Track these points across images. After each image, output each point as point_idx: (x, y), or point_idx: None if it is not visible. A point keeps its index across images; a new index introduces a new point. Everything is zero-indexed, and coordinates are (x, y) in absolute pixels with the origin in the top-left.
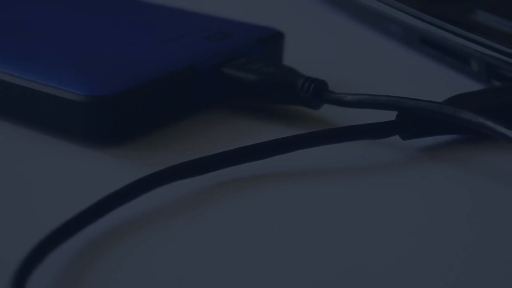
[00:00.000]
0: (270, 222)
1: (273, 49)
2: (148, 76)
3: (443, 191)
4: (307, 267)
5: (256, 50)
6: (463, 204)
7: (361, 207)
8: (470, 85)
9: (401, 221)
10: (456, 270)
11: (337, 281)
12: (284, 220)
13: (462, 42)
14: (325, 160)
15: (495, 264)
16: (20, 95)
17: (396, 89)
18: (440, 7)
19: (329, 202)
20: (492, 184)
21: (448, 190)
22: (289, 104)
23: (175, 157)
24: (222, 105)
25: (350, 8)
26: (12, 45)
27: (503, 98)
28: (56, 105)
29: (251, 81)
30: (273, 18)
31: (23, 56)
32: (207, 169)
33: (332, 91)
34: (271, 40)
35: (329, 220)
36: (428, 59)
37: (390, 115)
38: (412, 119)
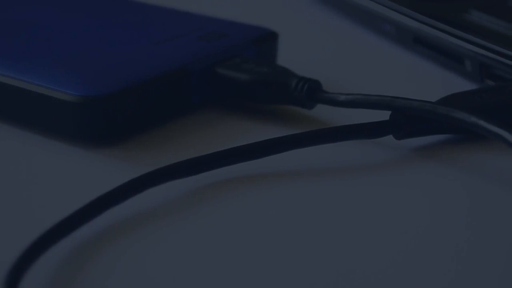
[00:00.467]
0: (263, 222)
1: (267, 49)
2: (141, 77)
3: (436, 191)
4: (300, 266)
5: (250, 50)
6: (457, 203)
7: (355, 207)
8: (463, 85)
9: (395, 220)
10: (452, 269)
11: (332, 281)
12: (278, 220)
13: (456, 42)
14: (319, 160)
15: (490, 262)
16: (13, 95)
17: (389, 89)
18: (433, 6)
19: (323, 202)
20: (486, 183)
21: (442, 189)
22: (283, 104)
23: (169, 157)
24: (216, 105)
25: (344, 8)
26: (4, 45)
27: (496, 97)
28: (49, 105)
29: (245, 81)
30: (267, 18)
31: (16, 56)
32: (201, 169)
33: (326, 91)
34: (265, 40)
35: (323, 220)
36: (421, 59)
37: (383, 115)
38: (406, 119)
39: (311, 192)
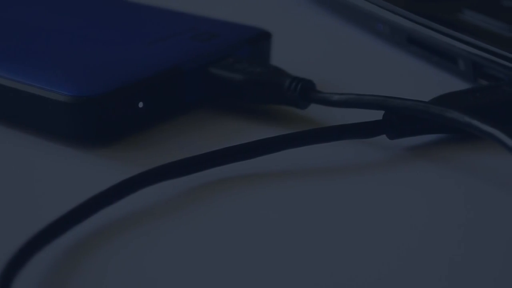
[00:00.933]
0: (257, 222)
1: (260, 49)
2: (134, 77)
3: (430, 190)
4: (293, 266)
5: (243, 50)
6: (451, 203)
7: (348, 206)
8: (457, 84)
9: (388, 220)
10: (446, 268)
11: (325, 281)
12: (271, 221)
13: (449, 41)
14: (312, 160)
15: (483, 260)
16: (6, 95)
17: (383, 89)
18: (427, 6)
19: (316, 202)
20: (479, 182)
21: (435, 189)
22: (276, 104)
23: (162, 158)
24: (209, 105)
25: (338, 8)
26: None
27: (489, 97)
28: (42, 105)
29: (238, 81)
30: (260, 18)
31: (9, 56)
32: (194, 169)
33: (319, 90)
34: (258, 40)
35: (317, 220)
36: (415, 58)
37: (377, 115)
38: (399, 119)
39: (304, 192)
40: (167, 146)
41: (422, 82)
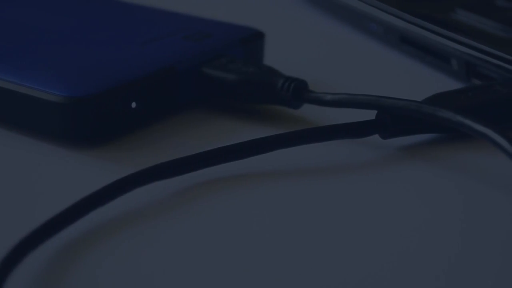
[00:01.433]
0: (250, 222)
1: (253, 49)
2: (127, 77)
3: (423, 190)
4: (287, 265)
5: (236, 50)
6: (443, 202)
7: (341, 206)
8: (450, 84)
9: (382, 219)
10: (440, 267)
11: (319, 280)
12: (264, 220)
13: (442, 41)
14: (305, 160)
15: (477, 259)
16: None
17: (376, 88)
18: (420, 6)
19: (310, 201)
20: (472, 182)
21: (428, 188)
22: (269, 104)
23: (155, 158)
24: (202, 105)
25: (331, 8)
26: None
27: (482, 96)
28: (35, 106)
29: (231, 81)
30: (253, 18)
31: (1, 57)
32: (187, 169)
33: (312, 90)
34: (251, 40)
35: (310, 220)
36: (408, 58)
37: (370, 115)
38: (392, 118)
39: (297, 192)
40: (160, 146)
41: (415, 81)
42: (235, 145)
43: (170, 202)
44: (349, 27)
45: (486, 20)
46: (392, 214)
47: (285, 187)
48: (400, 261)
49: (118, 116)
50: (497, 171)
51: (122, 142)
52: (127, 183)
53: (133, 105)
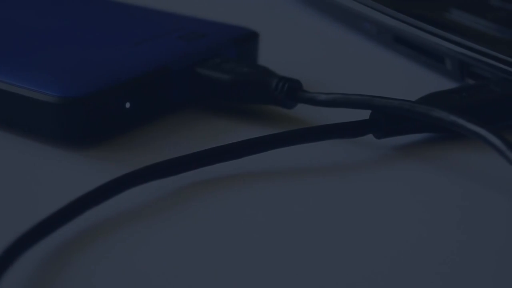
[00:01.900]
0: (244, 222)
1: (248, 49)
2: (121, 77)
3: (417, 189)
4: (281, 265)
5: (230, 50)
6: (437, 201)
7: (336, 206)
8: (444, 84)
9: (376, 219)
10: (434, 265)
11: (314, 280)
12: (259, 220)
13: (436, 41)
14: (300, 160)
15: (472, 257)
16: None
17: (370, 88)
18: (414, 5)
19: (303, 201)
20: (466, 181)
21: (422, 187)
22: (263, 103)
23: (149, 158)
24: (196, 105)
25: (325, 7)
26: None
27: (476, 96)
28: (29, 106)
29: (225, 81)
30: (248, 18)
31: None
32: (181, 169)
33: (306, 90)
34: (245, 40)
35: (304, 220)
36: (402, 58)
37: (363, 114)
38: (386, 118)
39: (291, 192)
40: (154, 146)
41: (409, 81)
42: (229, 145)
43: (165, 202)
44: (343, 27)
45: (480, 20)
46: (386, 213)
47: (279, 187)
48: (395, 260)
49: (112, 116)
50: (491, 171)
51: (116, 142)
52: (121, 183)
53: (127, 105)
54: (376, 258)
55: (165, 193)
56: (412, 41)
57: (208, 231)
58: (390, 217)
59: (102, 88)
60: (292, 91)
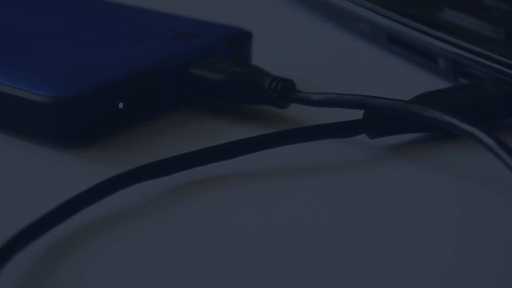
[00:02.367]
0: (238, 222)
1: (241, 49)
2: (114, 77)
3: (410, 189)
4: (276, 265)
5: (224, 50)
6: (431, 201)
7: (329, 205)
8: (437, 83)
9: (370, 219)
10: (429, 265)
11: (310, 280)
12: (252, 220)
13: (429, 40)
14: (293, 160)
15: (467, 256)
16: None
17: (363, 88)
18: (407, 5)
19: (297, 201)
20: (459, 181)
21: (415, 187)
22: (257, 103)
23: (142, 158)
24: (189, 105)
25: (318, 7)
26: None
27: (469, 96)
28: (22, 106)
29: (218, 81)
30: (241, 18)
31: None
32: (175, 169)
33: (300, 90)
34: (239, 40)
35: (297, 219)
36: (395, 58)
37: (357, 114)
38: (379, 118)
39: (285, 192)
40: (147, 147)
41: (402, 81)
42: (223, 145)
43: (158, 202)
44: (337, 27)
45: (473, 20)
46: (379, 213)
47: (272, 186)
48: (388, 259)
49: (105, 116)
50: (484, 170)
51: (109, 142)
52: (114, 183)
53: (120, 105)
54: (369, 258)
55: (158, 193)
56: (406, 41)
57: (202, 231)
58: (383, 216)
59: (95, 88)
60: (285, 91)
